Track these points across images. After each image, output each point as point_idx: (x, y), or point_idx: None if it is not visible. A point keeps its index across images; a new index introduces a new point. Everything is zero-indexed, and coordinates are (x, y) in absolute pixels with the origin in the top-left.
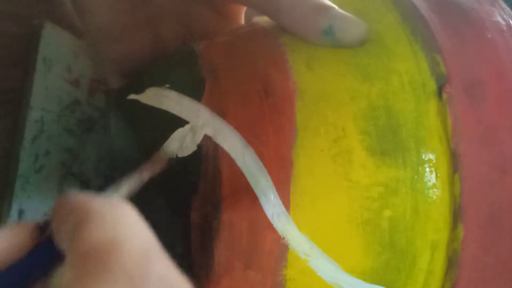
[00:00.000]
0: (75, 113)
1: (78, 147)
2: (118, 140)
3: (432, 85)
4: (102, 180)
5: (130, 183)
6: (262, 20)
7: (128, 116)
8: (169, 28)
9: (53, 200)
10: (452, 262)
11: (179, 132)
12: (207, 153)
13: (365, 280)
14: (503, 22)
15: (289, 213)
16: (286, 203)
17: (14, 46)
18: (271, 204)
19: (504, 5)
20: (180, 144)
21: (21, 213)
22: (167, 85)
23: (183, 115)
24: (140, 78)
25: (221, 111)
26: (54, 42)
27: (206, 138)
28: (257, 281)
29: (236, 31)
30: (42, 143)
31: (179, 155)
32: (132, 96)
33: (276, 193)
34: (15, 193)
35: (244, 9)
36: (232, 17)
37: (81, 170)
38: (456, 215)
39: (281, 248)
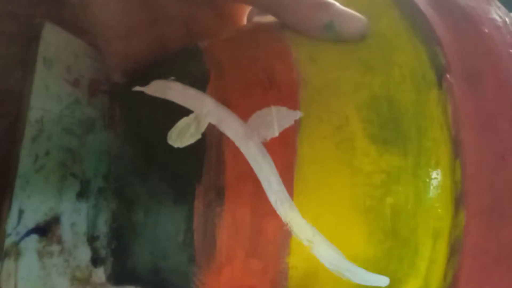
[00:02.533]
0: (75, 113)
1: (78, 147)
2: (120, 138)
3: (432, 76)
4: (102, 181)
5: None
6: (264, 19)
7: (131, 110)
8: (173, 30)
9: (53, 200)
10: (454, 250)
11: (183, 121)
12: (211, 141)
13: (367, 269)
14: (499, 19)
15: (292, 200)
16: (290, 190)
17: (13, 46)
18: (274, 190)
19: (499, 4)
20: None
21: (21, 213)
22: (172, 78)
23: (188, 105)
24: (145, 73)
25: (225, 101)
26: (54, 42)
27: (211, 126)
28: (260, 269)
29: (240, 29)
30: (42, 143)
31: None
32: (137, 88)
33: (280, 179)
34: (15, 193)
35: (247, 11)
36: (234, 19)
37: (81, 170)
38: (458, 201)
39: (284, 235)
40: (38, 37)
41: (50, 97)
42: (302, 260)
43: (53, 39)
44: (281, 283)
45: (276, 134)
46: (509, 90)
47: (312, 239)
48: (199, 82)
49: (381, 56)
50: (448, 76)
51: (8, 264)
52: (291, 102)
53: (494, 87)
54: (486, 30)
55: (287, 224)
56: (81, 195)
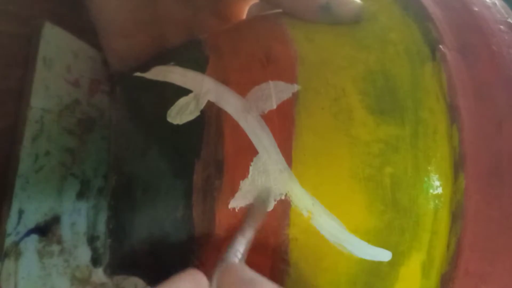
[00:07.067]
0: (75, 113)
1: (78, 147)
2: (120, 117)
3: (426, 51)
4: (102, 181)
5: (241, 245)
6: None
7: (132, 91)
8: (173, 31)
9: (53, 200)
10: (456, 216)
11: (183, 100)
12: (210, 117)
13: (369, 241)
14: (489, 1)
15: (291, 170)
16: (288, 160)
17: (14, 46)
18: (273, 160)
19: None
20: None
21: (21, 213)
22: (172, 63)
23: (187, 85)
24: (145, 63)
25: (224, 80)
26: (54, 42)
27: (210, 104)
28: (260, 242)
29: (237, 22)
30: (42, 143)
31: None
32: (138, 74)
33: (278, 150)
34: (15, 193)
35: (245, 13)
36: (234, 21)
37: (81, 170)
38: (457, 165)
39: (284, 205)
40: (38, 37)
41: (50, 97)
42: (302, 231)
43: (53, 39)
44: (281, 257)
45: (274, 106)
46: (502, 61)
47: (311, 209)
48: (199, 65)
49: (375, 36)
50: (441, 46)
51: (8, 264)
52: (289, 77)
53: (487, 58)
54: (476, 9)
55: (286, 194)
56: (81, 195)
